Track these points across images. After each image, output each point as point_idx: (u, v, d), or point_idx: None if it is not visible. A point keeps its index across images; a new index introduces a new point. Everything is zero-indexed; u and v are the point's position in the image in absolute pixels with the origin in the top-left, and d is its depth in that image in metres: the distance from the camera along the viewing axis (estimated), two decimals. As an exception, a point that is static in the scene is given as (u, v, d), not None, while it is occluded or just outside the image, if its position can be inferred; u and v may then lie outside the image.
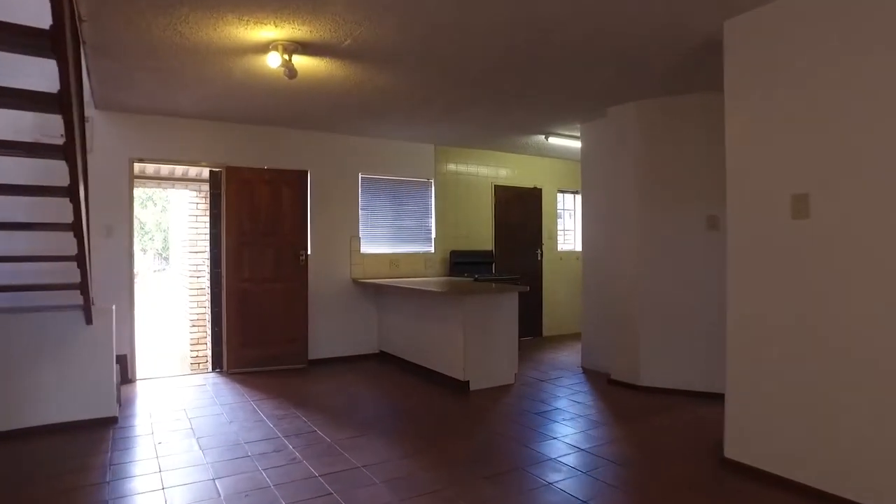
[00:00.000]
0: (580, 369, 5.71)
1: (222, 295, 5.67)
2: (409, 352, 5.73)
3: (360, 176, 6.40)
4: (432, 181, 6.90)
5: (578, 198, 8.25)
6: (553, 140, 6.44)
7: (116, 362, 4.76)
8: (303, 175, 5.96)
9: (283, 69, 3.59)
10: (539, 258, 7.76)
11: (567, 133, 6.25)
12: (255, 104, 4.91)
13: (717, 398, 4.36)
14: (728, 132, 3.19)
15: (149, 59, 3.64)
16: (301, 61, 3.69)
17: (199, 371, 6.02)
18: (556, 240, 8.02)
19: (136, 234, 5.08)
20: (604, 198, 5.43)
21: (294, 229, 5.89)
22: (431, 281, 6.09)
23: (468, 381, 4.82)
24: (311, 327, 5.95)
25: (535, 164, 7.76)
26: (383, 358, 6.28)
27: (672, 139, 4.69)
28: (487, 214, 7.35)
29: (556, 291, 7.87)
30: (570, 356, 6.33)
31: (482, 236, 7.29)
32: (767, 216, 2.96)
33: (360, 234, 6.39)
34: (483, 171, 7.33)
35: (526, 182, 7.70)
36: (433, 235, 6.91)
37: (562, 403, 4.49)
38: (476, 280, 6.32)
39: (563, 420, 4.05)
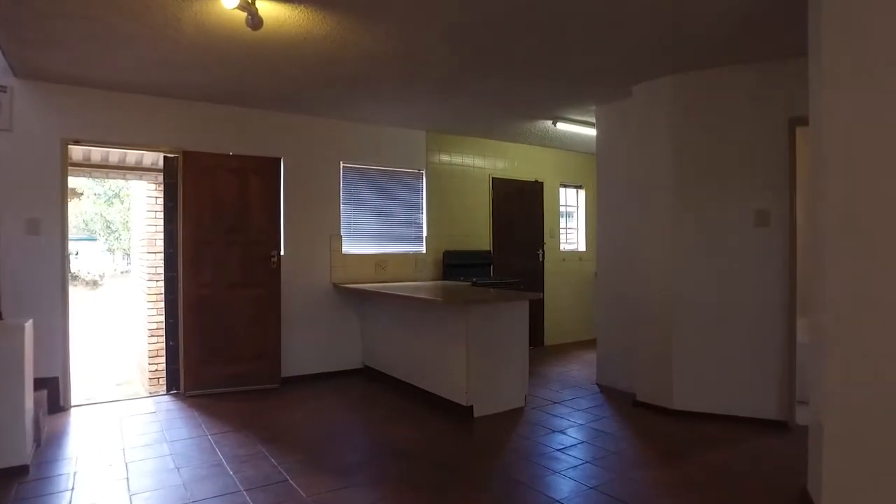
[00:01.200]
0: (596, 387, 4.97)
1: (178, 302, 4.80)
2: (399, 369, 4.93)
3: (341, 165, 5.58)
4: (423, 172, 6.11)
5: (581, 193, 7.55)
6: (561, 126, 5.70)
7: (42, 388, 3.91)
8: (275, 163, 5.11)
9: (244, 15, 2.79)
10: (540, 259, 7.02)
11: (578, 118, 5.52)
12: (214, 74, 4.06)
13: (774, 426, 3.71)
14: (826, 101, 2.46)
15: (66, -1, 2.79)
16: (267, 8, 2.88)
17: (158, 388, 5.15)
18: (559, 239, 7.29)
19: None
20: (625, 191, 4.71)
21: (264, 226, 5.03)
22: (424, 286, 5.30)
23: (472, 407, 4.05)
24: (284, 340, 5.11)
25: (536, 156, 7.02)
26: (368, 374, 5.47)
27: (714, 120, 3.98)
28: (484, 210, 6.58)
29: (559, 296, 7.13)
30: (581, 370, 5.59)
31: (479, 235, 6.52)
32: None
33: (342, 231, 5.57)
34: (479, 162, 6.55)
35: (526, 175, 6.94)
36: (424, 234, 6.12)
37: (586, 434, 3.75)
38: (474, 284, 5.56)
39: (594, 459, 3.30)
